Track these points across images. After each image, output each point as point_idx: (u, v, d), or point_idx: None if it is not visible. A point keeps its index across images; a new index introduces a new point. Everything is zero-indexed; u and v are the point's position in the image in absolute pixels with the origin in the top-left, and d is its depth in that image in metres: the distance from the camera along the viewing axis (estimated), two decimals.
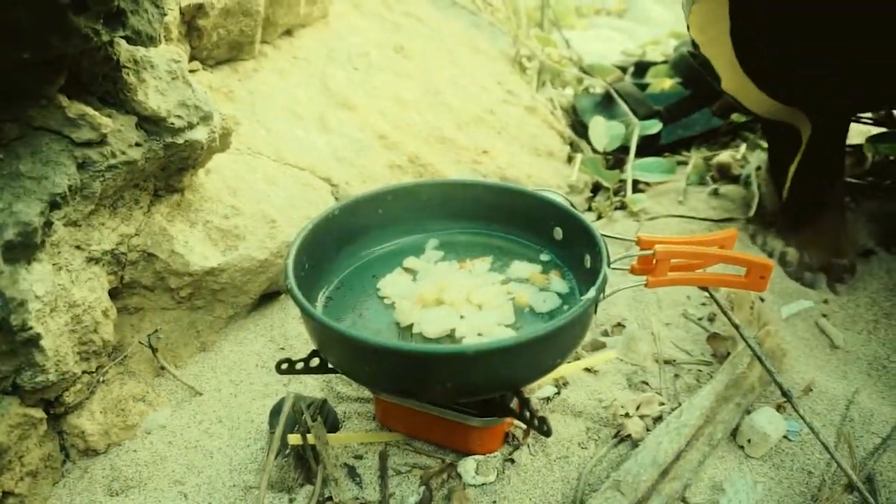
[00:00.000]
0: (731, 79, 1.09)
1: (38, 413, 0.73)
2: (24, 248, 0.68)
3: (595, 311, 0.69)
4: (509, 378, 0.61)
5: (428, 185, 0.88)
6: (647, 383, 0.89)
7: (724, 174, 1.49)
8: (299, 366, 0.71)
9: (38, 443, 0.74)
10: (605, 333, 1.02)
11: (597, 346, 0.98)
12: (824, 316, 1.08)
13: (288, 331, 0.99)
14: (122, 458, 0.79)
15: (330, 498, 0.72)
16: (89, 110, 0.73)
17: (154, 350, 0.88)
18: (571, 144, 1.64)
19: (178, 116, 0.83)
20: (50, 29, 0.62)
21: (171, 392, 0.89)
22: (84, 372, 0.78)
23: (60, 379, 0.72)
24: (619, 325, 1.03)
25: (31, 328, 0.67)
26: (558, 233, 0.83)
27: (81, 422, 0.79)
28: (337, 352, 0.64)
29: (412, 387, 0.63)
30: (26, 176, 0.69)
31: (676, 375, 0.91)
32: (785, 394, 0.78)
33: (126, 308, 0.89)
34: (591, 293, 0.63)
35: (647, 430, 0.80)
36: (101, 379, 0.83)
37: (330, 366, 0.72)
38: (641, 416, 0.81)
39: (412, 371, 0.59)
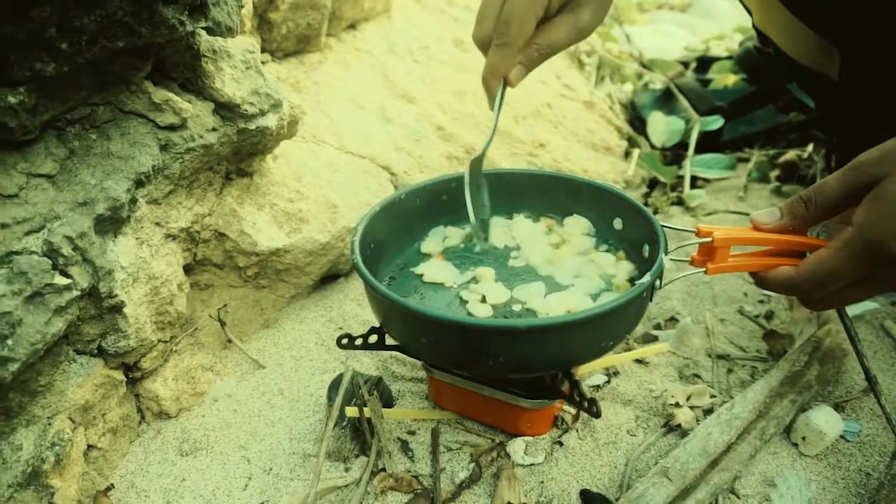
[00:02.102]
0: (763, 12, 1.05)
1: (119, 376, 0.79)
2: (112, 222, 0.74)
3: (651, 299, 0.69)
4: (560, 356, 0.63)
5: (490, 174, 0.90)
6: (698, 376, 0.89)
7: (790, 174, 1.45)
8: (358, 342, 0.74)
9: (118, 403, 0.80)
10: (658, 327, 1.02)
11: (648, 340, 0.98)
12: (891, 319, 1.05)
13: (346, 311, 1.03)
14: (191, 423, 0.85)
15: (383, 469, 0.75)
16: (172, 96, 0.79)
17: (222, 324, 0.94)
18: (629, 140, 1.63)
19: (251, 104, 0.88)
20: (141, 19, 0.68)
21: (236, 364, 0.94)
22: (159, 340, 0.84)
23: (139, 345, 0.78)
24: (672, 318, 1.03)
25: (116, 296, 0.73)
26: (618, 223, 0.83)
27: (156, 387, 0.85)
28: (395, 323, 0.67)
29: (465, 360, 0.65)
30: (116, 155, 0.75)
31: (730, 370, 0.91)
32: (869, 378, 0.75)
33: (198, 284, 0.95)
34: (646, 278, 0.64)
35: (697, 420, 0.80)
36: (174, 348, 0.89)
37: (387, 343, 0.76)
38: (692, 407, 0.81)
39: (465, 344, 0.62)
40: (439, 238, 0.87)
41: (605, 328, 0.63)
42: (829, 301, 0.69)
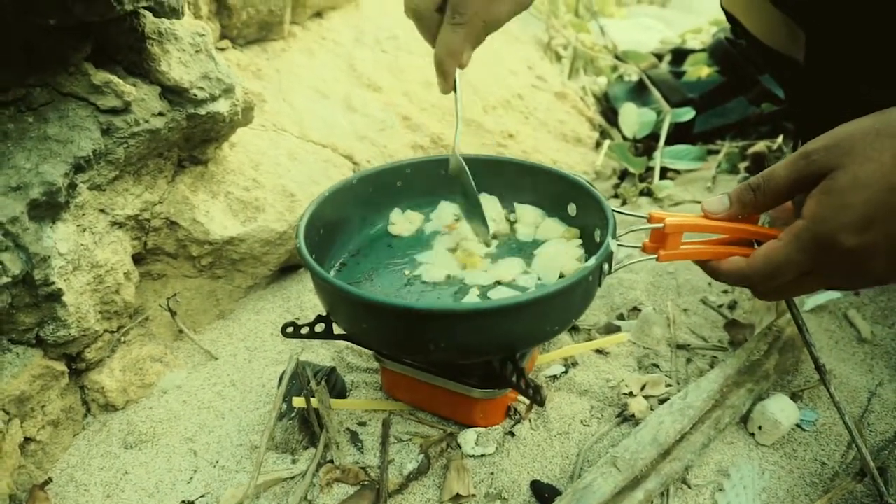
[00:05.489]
0: None
1: (60, 366, 0.76)
2: (48, 208, 0.71)
3: (600, 284, 0.68)
4: (504, 341, 0.61)
5: (446, 159, 0.88)
6: (657, 366, 0.88)
7: (759, 165, 1.45)
8: (304, 330, 0.73)
9: (59, 394, 0.77)
10: (621, 317, 1.01)
11: (611, 330, 0.97)
12: (854, 308, 1.04)
13: (304, 302, 1.01)
14: (138, 415, 0.82)
15: (331, 461, 0.73)
16: (114, 78, 0.76)
17: (173, 314, 0.91)
18: (602, 131, 1.62)
19: (201, 88, 0.85)
20: None
21: (188, 355, 0.92)
22: (105, 331, 0.82)
23: (81, 335, 0.76)
24: (635, 308, 1.01)
25: (53, 283, 0.70)
26: (572, 209, 0.82)
27: (102, 378, 0.82)
28: (338, 309, 0.65)
29: (407, 345, 0.64)
30: (53, 139, 0.72)
31: (689, 360, 0.90)
32: (818, 368, 0.75)
33: (150, 274, 0.93)
34: (592, 261, 0.62)
35: (651, 409, 0.79)
36: (122, 339, 0.86)
37: (334, 332, 0.74)
38: (646, 397, 0.80)
39: (406, 329, 0.60)
40: (403, 220, 0.86)
41: (550, 312, 0.62)
42: (779, 292, 0.68)
